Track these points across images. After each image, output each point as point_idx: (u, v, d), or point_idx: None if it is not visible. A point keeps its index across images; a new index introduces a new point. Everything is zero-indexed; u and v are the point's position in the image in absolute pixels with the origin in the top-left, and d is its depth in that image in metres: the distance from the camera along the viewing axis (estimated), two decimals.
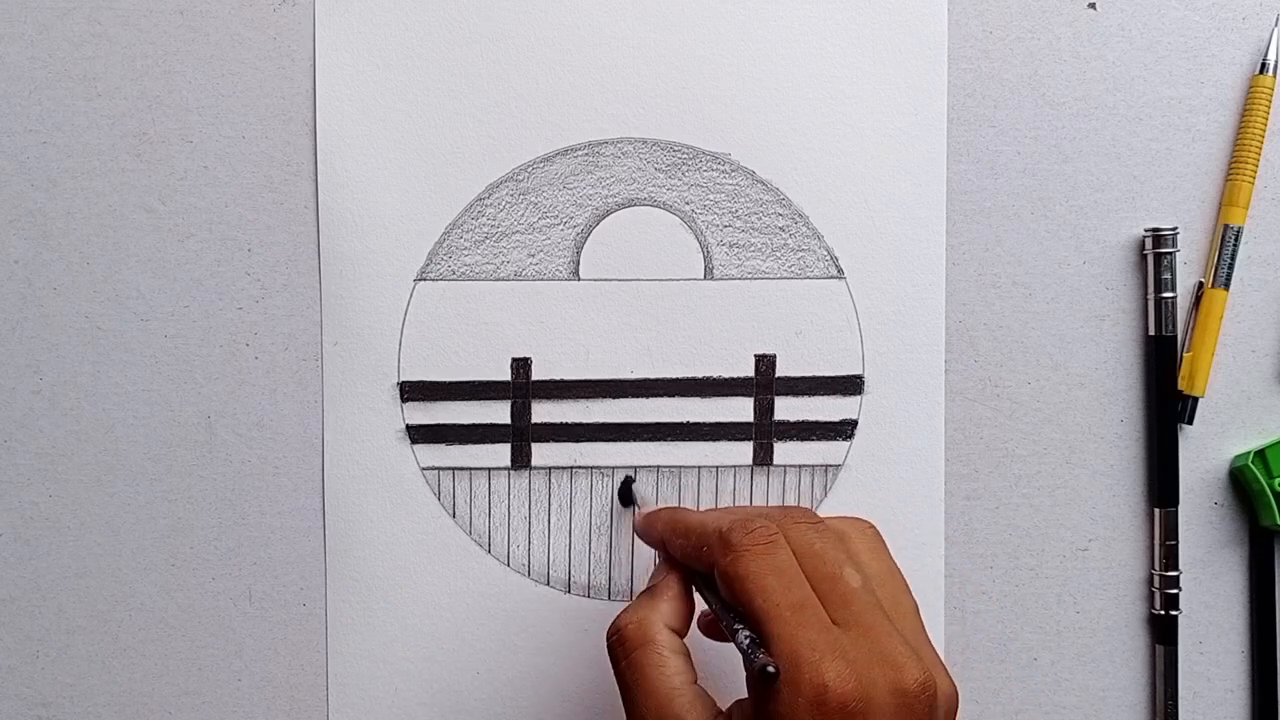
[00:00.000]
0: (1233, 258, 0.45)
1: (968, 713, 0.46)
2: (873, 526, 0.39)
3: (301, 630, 0.46)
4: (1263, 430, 0.46)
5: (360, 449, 0.46)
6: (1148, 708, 0.46)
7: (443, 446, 0.46)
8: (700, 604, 0.38)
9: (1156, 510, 0.46)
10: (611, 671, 0.37)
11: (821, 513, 0.46)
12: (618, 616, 0.37)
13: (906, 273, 0.46)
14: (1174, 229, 0.45)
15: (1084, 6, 0.46)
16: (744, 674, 0.34)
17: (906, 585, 0.37)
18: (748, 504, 0.46)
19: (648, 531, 0.40)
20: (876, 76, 0.46)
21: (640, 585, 0.46)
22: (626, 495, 0.46)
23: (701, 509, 0.43)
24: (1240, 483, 0.46)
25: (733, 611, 0.35)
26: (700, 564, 0.37)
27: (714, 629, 0.42)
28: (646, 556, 0.46)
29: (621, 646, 0.36)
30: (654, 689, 0.35)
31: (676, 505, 0.46)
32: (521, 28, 0.46)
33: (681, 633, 0.37)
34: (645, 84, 0.46)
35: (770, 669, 0.32)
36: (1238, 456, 0.46)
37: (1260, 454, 0.45)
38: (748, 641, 0.34)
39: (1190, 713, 0.46)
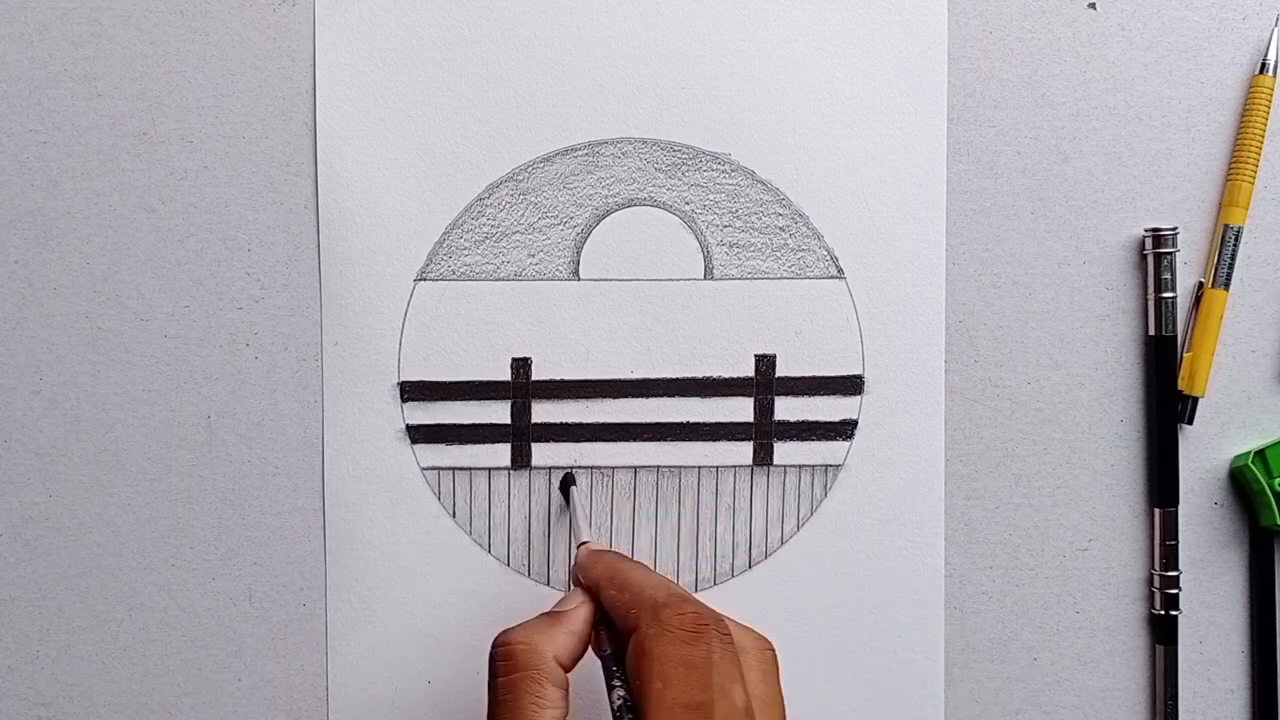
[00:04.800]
0: (1233, 258, 0.45)
1: (968, 713, 0.46)
2: (772, 649, 0.38)
3: (301, 630, 0.46)
4: (1263, 430, 0.46)
5: (360, 449, 0.46)
6: (1148, 708, 0.46)
7: (443, 446, 0.46)
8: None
9: (1156, 510, 0.46)
10: (600, 671, 0.37)
11: (820, 513, 0.46)
12: (511, 630, 0.37)
13: (906, 273, 0.46)
14: (1174, 229, 0.45)
15: (1084, 6, 0.46)
16: None
17: (785, 716, 0.37)
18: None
19: (587, 568, 0.39)
20: (876, 76, 0.46)
21: None
22: (567, 495, 0.45)
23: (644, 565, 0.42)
24: (1240, 483, 0.46)
25: (622, 670, 0.36)
26: (623, 622, 0.37)
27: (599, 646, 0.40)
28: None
29: (505, 663, 0.36)
30: (523, 718, 0.35)
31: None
32: (521, 28, 0.46)
33: (568, 668, 0.37)
34: (645, 84, 0.46)
35: None
36: (1238, 456, 0.46)
37: (1260, 454, 0.45)
38: (620, 703, 0.35)
39: (1190, 713, 0.46)
